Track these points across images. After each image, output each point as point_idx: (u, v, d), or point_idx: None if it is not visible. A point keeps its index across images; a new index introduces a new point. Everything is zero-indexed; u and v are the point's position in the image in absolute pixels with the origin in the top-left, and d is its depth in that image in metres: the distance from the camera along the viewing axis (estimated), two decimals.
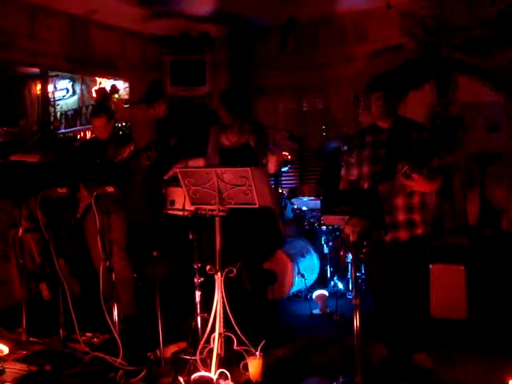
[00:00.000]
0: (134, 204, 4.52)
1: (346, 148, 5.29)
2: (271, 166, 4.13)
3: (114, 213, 3.97)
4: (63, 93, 7.84)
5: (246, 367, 3.26)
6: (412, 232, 3.34)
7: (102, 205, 3.62)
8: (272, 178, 5.63)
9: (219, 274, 3.29)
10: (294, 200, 5.56)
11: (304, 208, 5.60)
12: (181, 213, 3.59)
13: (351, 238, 2.95)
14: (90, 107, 7.38)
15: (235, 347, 3.30)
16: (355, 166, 3.53)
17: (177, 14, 5.77)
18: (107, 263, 3.60)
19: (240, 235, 3.88)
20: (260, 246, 4.09)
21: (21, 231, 4.11)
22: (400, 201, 3.31)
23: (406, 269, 3.39)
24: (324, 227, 5.39)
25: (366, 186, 3.43)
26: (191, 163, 4.23)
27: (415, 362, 3.38)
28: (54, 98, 7.66)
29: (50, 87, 7.24)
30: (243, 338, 3.29)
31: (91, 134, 7.05)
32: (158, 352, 3.47)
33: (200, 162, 4.22)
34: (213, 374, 3.17)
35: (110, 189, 3.54)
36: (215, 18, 6.04)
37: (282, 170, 5.57)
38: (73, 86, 7.80)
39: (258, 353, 3.22)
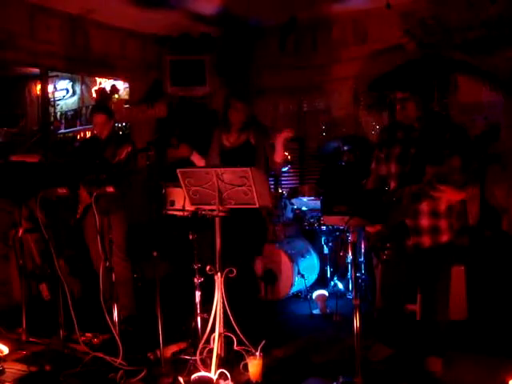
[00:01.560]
0: (133, 204, 4.53)
1: (346, 148, 5.32)
2: (278, 155, 4.02)
3: (114, 213, 3.98)
4: (63, 93, 7.83)
5: (245, 367, 3.26)
6: (436, 239, 3.24)
7: (102, 205, 3.62)
8: (272, 179, 5.64)
9: (219, 274, 3.29)
10: (294, 200, 5.56)
11: (304, 208, 5.60)
12: (181, 213, 3.59)
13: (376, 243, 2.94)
14: (90, 107, 7.37)
15: (235, 347, 3.29)
16: (383, 163, 3.43)
17: (177, 12, 5.76)
18: (107, 263, 3.60)
19: (231, 235, 3.86)
20: (250, 246, 4.07)
21: (21, 231, 4.11)
22: (424, 206, 3.21)
23: (428, 275, 3.34)
24: (324, 227, 5.39)
25: (392, 186, 3.32)
26: (194, 156, 4.16)
27: (427, 366, 3.33)
28: (53, 98, 7.66)
29: (50, 87, 7.23)
30: (243, 338, 3.28)
31: (91, 133, 7.06)
32: (158, 352, 3.46)
33: (201, 161, 4.19)
34: (213, 374, 3.17)
35: (110, 189, 3.55)
36: (215, 18, 6.03)
37: (282, 169, 5.56)
38: (73, 86, 7.79)
39: (257, 353, 3.22)
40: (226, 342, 3.31)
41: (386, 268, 3.53)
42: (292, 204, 5.57)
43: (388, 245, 2.99)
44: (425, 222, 3.24)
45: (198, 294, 3.53)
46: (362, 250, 5.02)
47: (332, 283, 5.26)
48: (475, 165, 2.97)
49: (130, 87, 6.70)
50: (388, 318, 3.57)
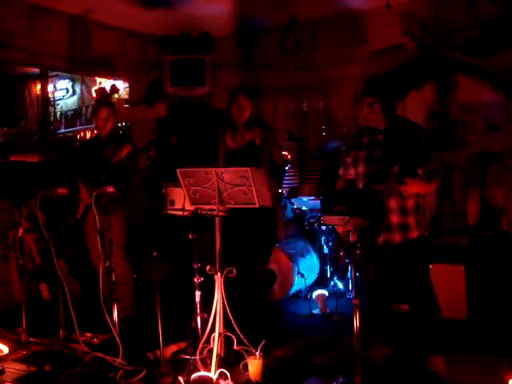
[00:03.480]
0: (133, 204, 4.53)
1: (344, 148, 5.32)
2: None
3: (114, 213, 3.98)
4: (63, 93, 7.84)
5: (245, 367, 3.26)
6: (406, 235, 3.31)
7: (102, 205, 3.62)
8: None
9: (219, 274, 3.29)
10: (293, 200, 5.56)
11: (304, 208, 5.60)
12: (181, 213, 3.59)
13: (348, 239, 2.94)
14: (90, 107, 7.38)
15: (235, 347, 3.29)
16: (351, 166, 3.53)
17: (177, 12, 5.75)
18: (107, 263, 3.60)
19: (239, 235, 3.85)
20: (259, 247, 4.04)
21: (21, 231, 4.11)
22: (393, 203, 3.29)
23: (402, 271, 3.37)
24: (324, 227, 5.38)
25: (360, 185, 3.42)
26: None
27: (429, 365, 3.31)
28: (53, 97, 7.67)
29: (50, 87, 7.24)
30: (243, 338, 3.29)
31: (91, 133, 7.07)
32: (158, 352, 3.46)
33: None
34: (213, 374, 3.17)
35: (110, 189, 3.54)
36: (215, 17, 6.03)
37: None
38: (73, 86, 7.80)
39: (257, 353, 3.21)
40: (226, 342, 3.31)
41: (364, 269, 3.56)
42: (292, 204, 5.57)
43: (358, 244, 2.97)
44: (395, 218, 3.31)
45: (197, 293, 3.53)
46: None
47: (332, 283, 5.26)
48: (432, 164, 3.09)
49: (130, 87, 6.70)
50: (379, 318, 3.56)
